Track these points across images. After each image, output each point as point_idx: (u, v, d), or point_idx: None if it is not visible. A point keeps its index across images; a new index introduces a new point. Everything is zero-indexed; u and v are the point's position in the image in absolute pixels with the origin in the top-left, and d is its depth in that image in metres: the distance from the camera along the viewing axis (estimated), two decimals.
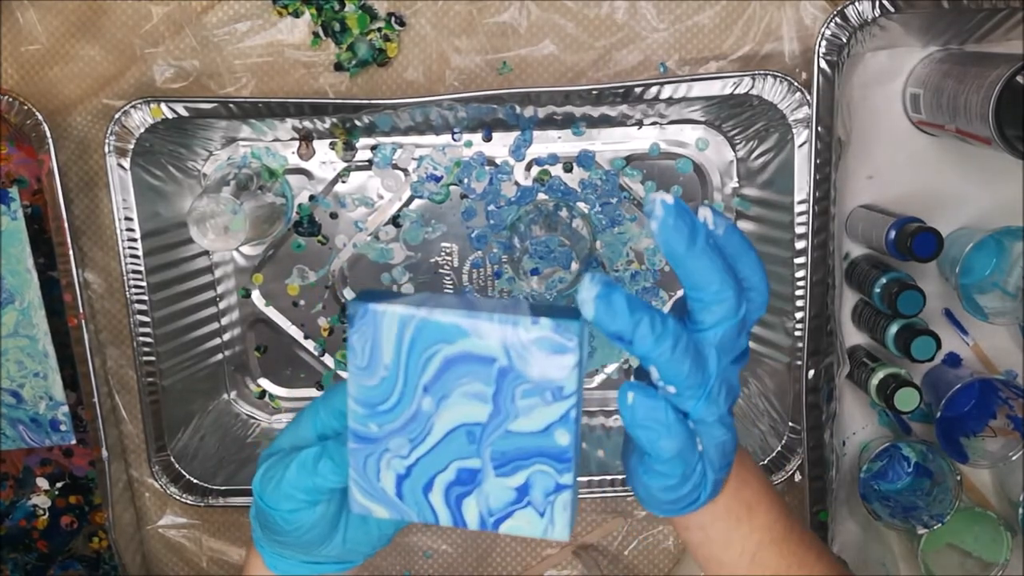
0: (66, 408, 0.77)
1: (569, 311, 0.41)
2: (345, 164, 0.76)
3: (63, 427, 0.78)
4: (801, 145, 0.67)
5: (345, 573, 0.52)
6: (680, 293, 0.78)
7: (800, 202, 0.67)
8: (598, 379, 0.81)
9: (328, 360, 0.80)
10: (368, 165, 0.76)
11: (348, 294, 0.79)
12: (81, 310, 0.72)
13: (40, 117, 0.69)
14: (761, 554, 0.47)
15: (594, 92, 0.67)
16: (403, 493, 0.43)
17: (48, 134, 0.69)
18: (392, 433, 0.42)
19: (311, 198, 0.77)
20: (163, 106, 0.68)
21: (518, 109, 0.70)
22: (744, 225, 0.76)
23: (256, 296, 0.80)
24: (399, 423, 0.42)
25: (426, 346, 0.40)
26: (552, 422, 0.41)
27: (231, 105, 0.68)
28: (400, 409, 0.42)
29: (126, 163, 0.70)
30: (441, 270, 0.78)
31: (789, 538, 0.48)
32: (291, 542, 0.49)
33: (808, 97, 0.65)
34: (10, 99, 0.70)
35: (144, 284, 0.72)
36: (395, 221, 0.77)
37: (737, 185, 0.75)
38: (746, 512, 0.47)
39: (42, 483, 0.81)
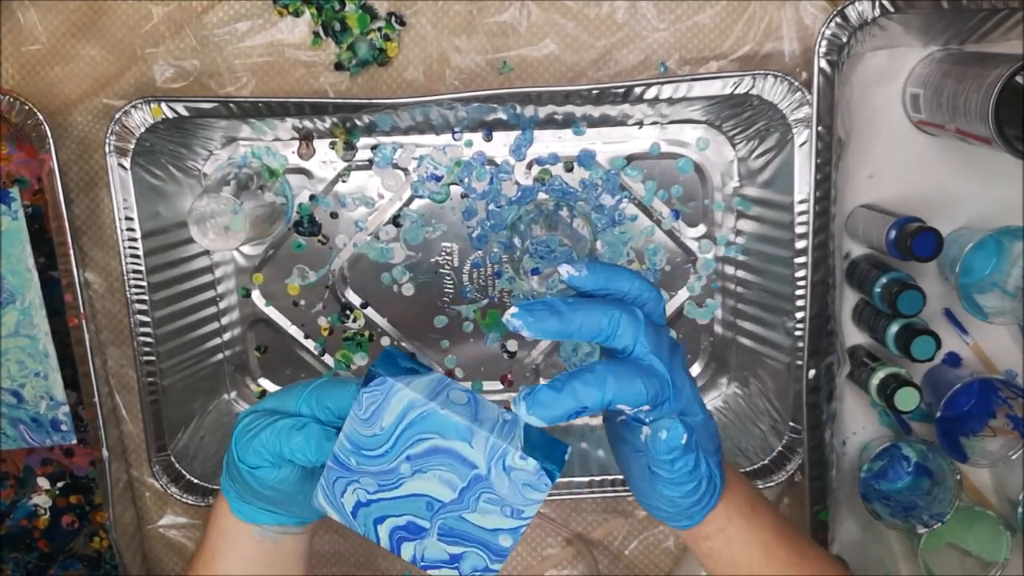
0: (67, 408, 0.78)
1: (557, 447, 0.47)
2: (345, 164, 0.76)
3: (64, 427, 0.78)
4: (801, 145, 0.67)
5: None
6: (682, 294, 0.78)
7: (800, 202, 0.67)
8: None
9: (328, 360, 0.80)
10: (368, 165, 0.76)
11: (349, 294, 0.79)
12: (82, 310, 0.72)
13: (41, 117, 0.69)
14: (773, 548, 0.50)
15: (594, 92, 0.67)
16: (357, 514, 0.48)
17: (49, 134, 0.69)
18: (366, 473, 0.47)
19: (311, 198, 0.77)
20: (163, 106, 0.68)
21: (518, 109, 0.70)
22: (745, 224, 0.76)
23: (256, 296, 0.80)
24: (375, 469, 0.47)
25: (423, 430, 0.46)
26: (502, 528, 0.47)
27: (231, 105, 0.68)
28: (381, 461, 0.47)
29: (126, 163, 0.70)
30: (441, 270, 0.78)
31: (789, 533, 0.52)
32: (252, 493, 0.52)
33: (808, 97, 0.65)
34: (11, 99, 0.70)
35: (144, 284, 0.72)
36: (395, 221, 0.77)
37: (738, 185, 0.75)
38: (752, 510, 0.51)
39: (43, 483, 0.81)
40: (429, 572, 0.49)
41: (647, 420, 0.46)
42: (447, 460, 0.46)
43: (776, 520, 0.52)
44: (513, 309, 0.44)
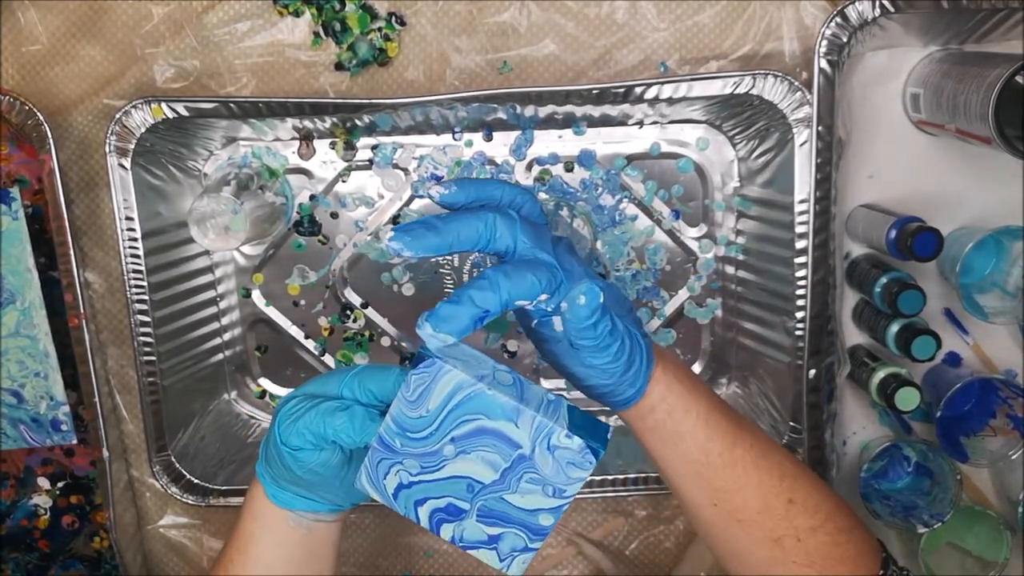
0: (67, 408, 0.78)
1: (599, 427, 0.49)
2: (345, 164, 0.76)
3: (64, 427, 0.78)
4: (802, 145, 0.67)
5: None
6: (682, 294, 0.78)
7: (801, 201, 0.67)
8: None
9: (328, 360, 0.80)
10: (369, 165, 0.76)
11: (349, 294, 0.79)
12: (82, 310, 0.72)
13: (41, 117, 0.69)
14: (712, 417, 0.52)
15: (595, 92, 0.67)
16: (398, 497, 0.49)
17: (49, 134, 0.69)
18: (410, 455, 0.48)
19: (311, 198, 0.77)
20: (164, 106, 0.68)
21: (519, 109, 0.70)
22: (745, 224, 0.76)
23: (256, 296, 0.80)
24: (419, 451, 0.48)
25: (469, 411, 0.47)
26: (542, 508, 0.48)
27: (232, 105, 0.68)
28: (425, 443, 0.48)
29: (127, 163, 0.70)
30: (441, 270, 0.78)
31: (724, 404, 0.54)
32: (289, 478, 0.52)
33: (808, 97, 0.65)
34: (11, 99, 0.69)
35: (145, 284, 0.72)
36: (396, 221, 0.77)
37: (738, 184, 0.75)
38: (688, 379, 0.53)
39: (43, 483, 0.81)
40: (468, 552, 0.50)
41: (550, 308, 0.48)
42: (492, 441, 0.47)
43: (711, 392, 0.54)
44: (389, 233, 0.46)
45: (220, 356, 0.81)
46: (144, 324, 0.72)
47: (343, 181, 0.77)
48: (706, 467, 0.52)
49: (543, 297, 0.47)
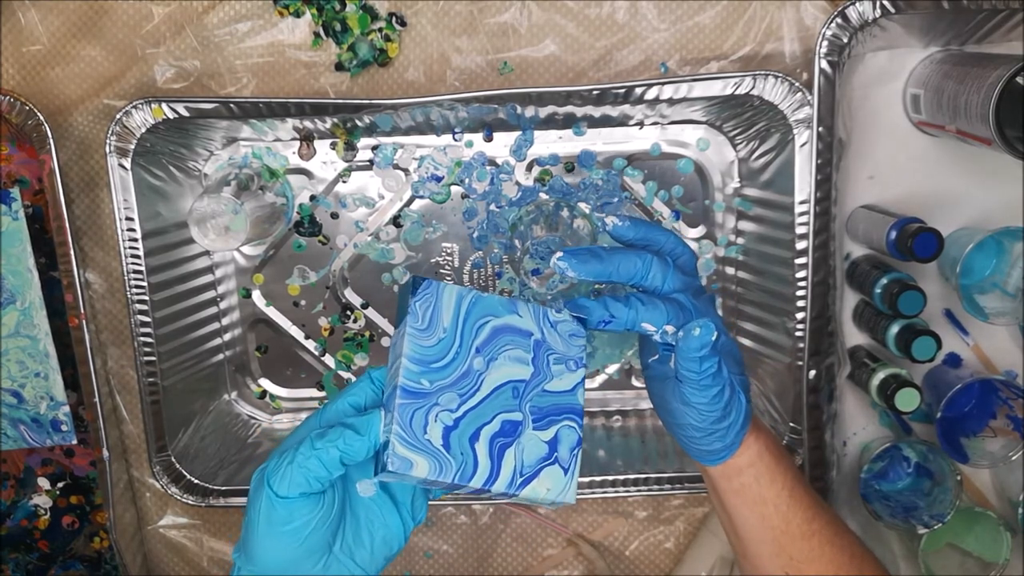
0: (67, 408, 0.78)
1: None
2: (346, 164, 0.76)
3: (64, 427, 0.78)
4: (802, 145, 0.67)
5: None
6: None
7: (801, 202, 0.67)
8: (599, 380, 0.81)
9: (329, 360, 0.80)
10: (369, 165, 0.76)
11: (349, 294, 0.79)
12: (82, 310, 0.72)
13: (41, 117, 0.69)
14: (796, 490, 0.54)
15: (595, 92, 0.67)
16: (450, 443, 0.47)
17: (49, 134, 0.69)
18: (443, 389, 0.48)
19: (312, 198, 0.77)
20: (164, 106, 0.68)
21: (519, 109, 0.70)
22: (745, 225, 0.76)
23: (257, 296, 0.80)
24: (451, 379, 0.48)
25: (479, 316, 0.50)
26: (577, 383, 0.51)
27: (232, 105, 0.68)
28: (454, 366, 0.49)
29: (127, 163, 0.70)
30: (442, 270, 0.78)
31: (806, 481, 0.56)
32: (281, 555, 0.48)
33: (809, 97, 0.65)
34: (11, 99, 0.70)
35: (145, 284, 0.72)
36: (396, 221, 0.77)
37: (738, 185, 0.75)
38: (779, 451, 0.55)
39: (43, 483, 0.81)
40: (527, 497, 0.49)
41: (674, 343, 0.51)
42: (509, 337, 0.50)
43: (797, 468, 0.56)
44: (559, 254, 0.50)
45: (220, 356, 0.81)
46: (144, 324, 0.72)
47: (343, 181, 0.77)
48: (784, 534, 0.54)
49: (670, 329, 0.50)
